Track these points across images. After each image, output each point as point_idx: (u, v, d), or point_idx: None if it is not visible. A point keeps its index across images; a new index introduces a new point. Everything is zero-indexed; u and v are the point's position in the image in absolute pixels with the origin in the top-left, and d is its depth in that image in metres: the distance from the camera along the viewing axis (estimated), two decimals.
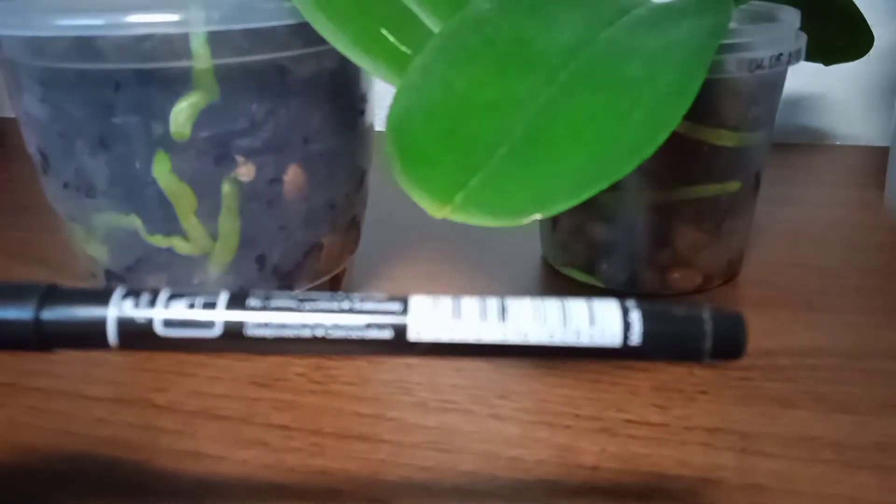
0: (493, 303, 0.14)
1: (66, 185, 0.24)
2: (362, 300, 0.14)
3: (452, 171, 0.17)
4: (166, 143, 0.23)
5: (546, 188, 0.16)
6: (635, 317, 0.13)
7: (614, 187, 0.16)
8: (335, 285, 0.29)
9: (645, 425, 0.22)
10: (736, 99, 0.26)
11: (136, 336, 0.13)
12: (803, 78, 0.48)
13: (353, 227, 0.29)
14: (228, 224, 0.24)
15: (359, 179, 0.28)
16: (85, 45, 0.21)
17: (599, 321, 0.13)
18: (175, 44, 0.21)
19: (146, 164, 0.23)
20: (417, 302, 0.14)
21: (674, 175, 0.27)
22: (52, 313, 0.13)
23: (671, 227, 0.28)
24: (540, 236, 0.32)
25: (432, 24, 0.21)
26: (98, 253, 0.25)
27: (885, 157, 0.40)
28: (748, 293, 0.30)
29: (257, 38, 0.22)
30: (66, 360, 0.27)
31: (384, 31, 0.21)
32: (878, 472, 0.20)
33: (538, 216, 0.16)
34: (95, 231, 0.25)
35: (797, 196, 0.40)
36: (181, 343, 0.13)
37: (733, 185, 0.28)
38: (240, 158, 0.24)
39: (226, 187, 0.24)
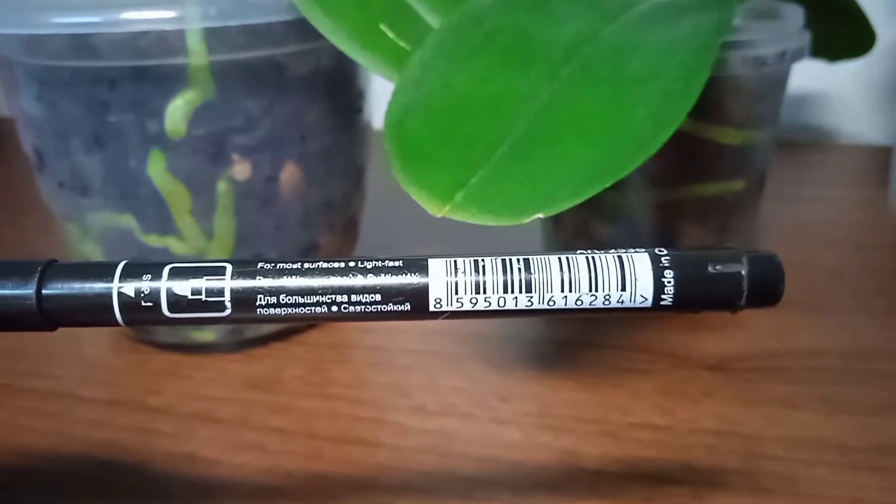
0: (517, 269, 0.13)
1: (61, 185, 0.24)
2: (379, 270, 0.13)
3: (452, 169, 0.17)
4: (161, 141, 0.22)
5: (548, 187, 0.16)
6: (669, 276, 0.13)
7: (617, 186, 0.16)
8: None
9: (649, 428, 0.22)
10: (740, 96, 0.26)
11: (142, 309, 0.13)
12: (807, 76, 0.47)
13: (350, 227, 0.29)
14: (224, 223, 0.24)
15: (356, 178, 0.28)
16: (81, 43, 0.21)
17: (630, 285, 0.13)
18: (171, 40, 0.21)
19: (141, 163, 0.23)
20: (437, 269, 0.13)
21: (678, 173, 0.27)
22: (54, 289, 0.13)
23: (675, 226, 0.28)
24: (542, 235, 0.32)
25: (431, 19, 0.21)
26: (93, 253, 0.25)
27: (889, 156, 0.40)
28: None
29: (253, 34, 0.22)
30: (62, 362, 0.27)
31: (382, 27, 0.20)
32: (882, 474, 0.20)
33: (540, 215, 0.16)
34: (90, 231, 0.25)
35: (801, 195, 0.39)
36: (189, 319, 0.13)
37: (738, 184, 0.28)
38: (235, 156, 0.23)
39: (221, 186, 0.23)
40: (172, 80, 0.22)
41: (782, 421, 0.22)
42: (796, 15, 0.27)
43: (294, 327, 0.28)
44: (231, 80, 0.22)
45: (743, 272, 0.13)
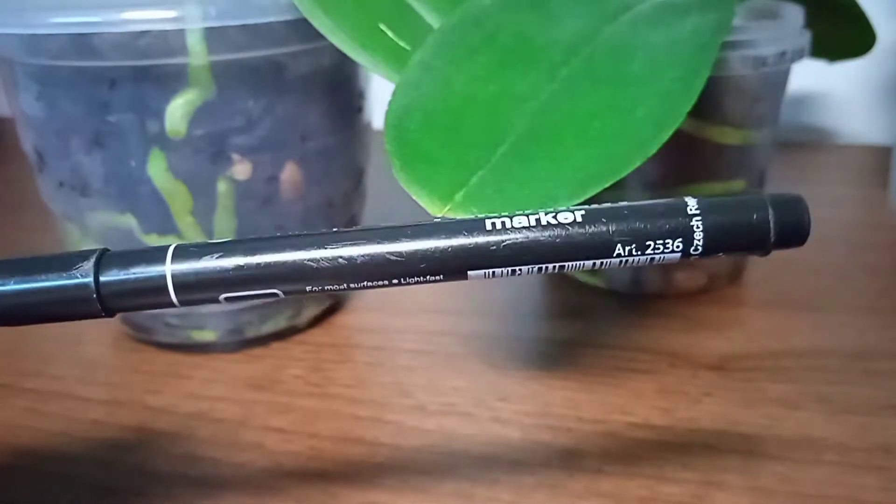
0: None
1: (61, 185, 0.24)
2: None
3: (452, 169, 0.17)
4: (162, 141, 0.22)
5: (548, 187, 0.16)
6: (698, 225, 0.13)
7: (617, 186, 0.16)
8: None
9: (649, 428, 0.22)
10: (740, 96, 0.26)
11: (196, 288, 0.13)
12: (807, 76, 0.47)
13: (350, 227, 0.28)
14: (224, 223, 0.24)
15: (357, 178, 0.28)
16: (81, 43, 0.21)
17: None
18: (171, 40, 0.21)
19: (141, 163, 0.23)
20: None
21: (677, 173, 0.27)
22: (110, 276, 0.13)
23: None
24: None
25: (432, 19, 0.21)
26: None
27: (889, 156, 0.40)
28: (753, 294, 0.30)
29: (254, 34, 0.22)
30: (62, 362, 0.27)
31: (383, 27, 0.20)
32: (882, 474, 0.20)
33: None
34: (90, 231, 0.25)
35: (801, 195, 0.39)
36: (243, 295, 0.13)
37: (738, 184, 0.28)
38: (236, 156, 0.23)
39: (221, 186, 0.23)
40: (172, 80, 0.22)
41: (782, 421, 0.22)
42: (796, 15, 0.27)
43: (293, 327, 0.28)
44: (231, 80, 0.22)
45: (770, 216, 0.13)
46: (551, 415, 0.23)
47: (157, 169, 0.23)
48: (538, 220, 0.13)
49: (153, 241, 0.24)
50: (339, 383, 0.25)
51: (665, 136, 0.17)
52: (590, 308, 0.29)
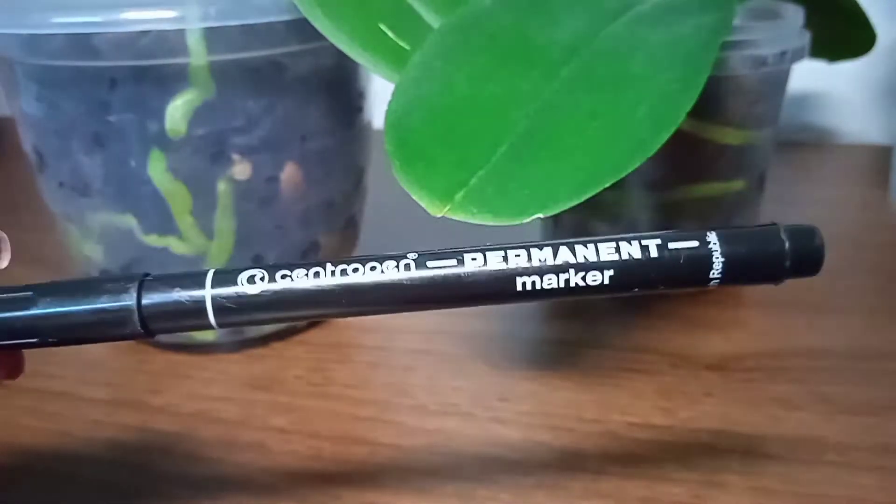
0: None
1: (61, 185, 0.24)
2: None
3: (452, 169, 0.17)
4: (162, 141, 0.22)
5: (548, 187, 0.16)
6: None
7: (617, 186, 0.16)
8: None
9: (649, 428, 0.22)
10: (740, 96, 0.26)
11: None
12: (807, 76, 0.47)
13: (351, 226, 0.28)
14: (224, 223, 0.24)
15: (357, 178, 0.28)
16: (81, 43, 0.21)
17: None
18: (171, 40, 0.21)
19: (141, 163, 0.23)
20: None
21: (677, 173, 0.27)
22: (151, 299, 0.13)
23: (675, 226, 0.28)
24: (541, 235, 0.32)
25: (432, 19, 0.21)
26: (93, 253, 0.25)
27: (889, 156, 0.40)
28: (753, 294, 0.30)
29: (254, 34, 0.22)
30: (62, 362, 0.27)
31: (383, 27, 0.20)
32: (882, 474, 0.20)
33: (540, 215, 0.16)
34: (90, 231, 0.25)
35: (801, 195, 0.39)
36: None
37: (738, 184, 0.28)
38: (236, 156, 0.23)
39: (221, 186, 0.23)
40: (172, 80, 0.22)
41: (783, 421, 0.22)
42: (796, 15, 0.27)
43: (293, 327, 0.28)
44: (231, 80, 0.22)
45: (786, 247, 0.14)
46: (551, 415, 0.23)
47: (157, 169, 0.23)
48: (567, 282, 0.13)
49: (153, 241, 0.24)
50: (340, 383, 0.25)
51: (665, 135, 0.17)
52: (590, 308, 0.29)
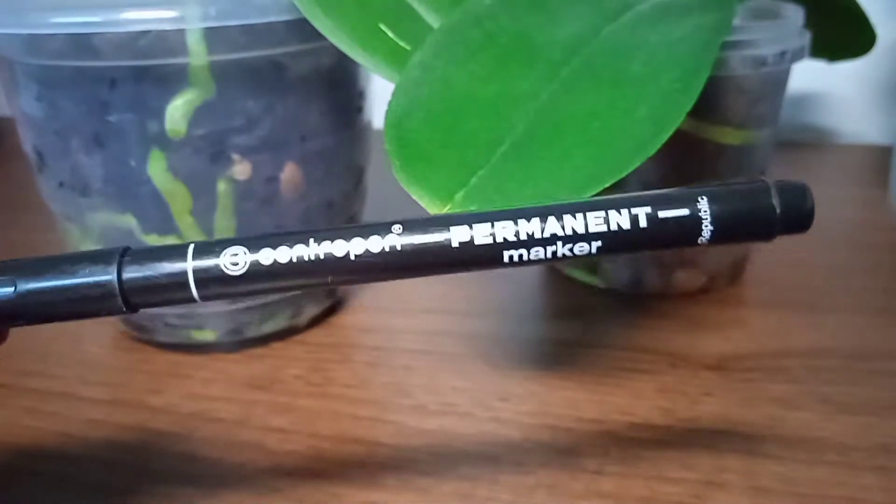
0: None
1: (61, 185, 0.24)
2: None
3: (453, 169, 0.17)
4: (162, 141, 0.22)
5: (548, 186, 0.16)
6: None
7: (617, 186, 0.16)
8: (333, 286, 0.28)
9: (649, 428, 0.22)
10: (740, 96, 0.26)
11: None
12: (807, 76, 0.47)
13: None
14: (224, 223, 0.24)
15: (357, 178, 0.28)
16: (81, 43, 0.21)
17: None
18: (171, 40, 0.21)
19: (141, 163, 0.23)
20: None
21: (677, 173, 0.27)
22: (132, 272, 0.13)
23: None
24: None
25: (432, 19, 0.21)
26: None
27: (889, 156, 0.40)
28: (753, 294, 0.30)
29: (254, 34, 0.22)
30: (62, 362, 0.27)
31: (382, 27, 0.20)
32: (882, 474, 0.20)
33: None
34: (90, 231, 0.25)
35: None
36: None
37: None
38: (236, 156, 0.23)
39: (221, 186, 0.23)
40: (172, 80, 0.22)
41: (783, 421, 0.22)
42: (796, 15, 0.27)
43: (293, 327, 0.28)
44: (231, 79, 0.22)
45: (775, 203, 0.13)
46: (551, 415, 0.23)
47: (157, 169, 0.23)
48: (555, 253, 0.13)
49: (153, 241, 0.24)
50: (339, 383, 0.25)
51: (665, 136, 0.17)
52: (590, 308, 0.29)
